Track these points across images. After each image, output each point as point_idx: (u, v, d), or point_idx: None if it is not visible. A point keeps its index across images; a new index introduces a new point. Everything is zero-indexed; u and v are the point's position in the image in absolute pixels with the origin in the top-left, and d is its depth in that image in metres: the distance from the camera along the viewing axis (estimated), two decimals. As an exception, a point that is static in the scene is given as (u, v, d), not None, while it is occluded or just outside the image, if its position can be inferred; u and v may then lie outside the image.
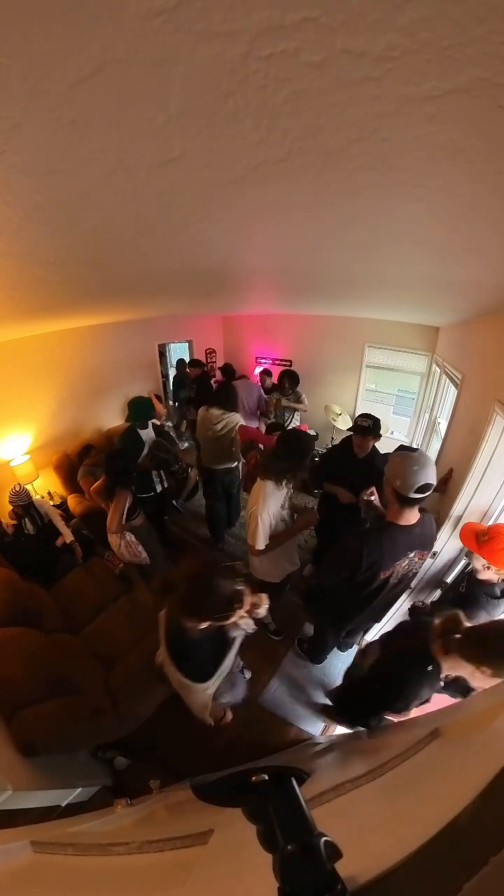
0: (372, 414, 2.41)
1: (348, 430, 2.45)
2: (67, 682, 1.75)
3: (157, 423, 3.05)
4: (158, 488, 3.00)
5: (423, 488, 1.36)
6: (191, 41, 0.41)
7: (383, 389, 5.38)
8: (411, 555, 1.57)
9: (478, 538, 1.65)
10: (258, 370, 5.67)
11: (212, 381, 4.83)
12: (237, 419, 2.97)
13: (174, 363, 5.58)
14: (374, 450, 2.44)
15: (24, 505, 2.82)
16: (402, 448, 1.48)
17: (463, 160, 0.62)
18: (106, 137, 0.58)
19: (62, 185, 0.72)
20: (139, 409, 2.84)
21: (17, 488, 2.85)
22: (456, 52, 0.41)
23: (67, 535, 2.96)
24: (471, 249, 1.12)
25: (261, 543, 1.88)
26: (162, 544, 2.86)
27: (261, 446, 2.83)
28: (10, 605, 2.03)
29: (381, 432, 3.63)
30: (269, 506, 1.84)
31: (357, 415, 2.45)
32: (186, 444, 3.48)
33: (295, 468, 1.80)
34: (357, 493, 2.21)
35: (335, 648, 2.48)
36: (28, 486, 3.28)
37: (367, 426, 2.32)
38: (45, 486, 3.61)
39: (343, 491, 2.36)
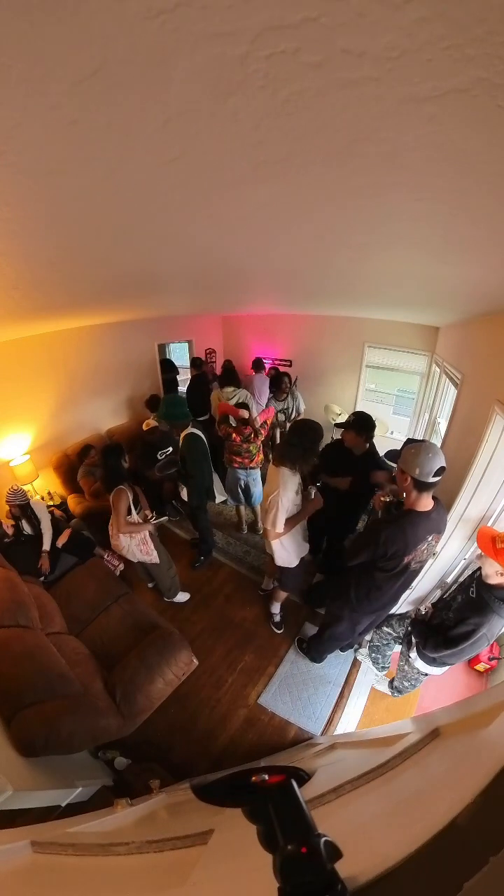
0: (362, 411, 2.50)
1: (336, 424, 2.60)
2: (67, 682, 1.75)
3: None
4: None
5: (440, 471, 1.52)
6: (191, 41, 0.41)
7: (383, 389, 5.39)
8: (429, 538, 1.68)
9: (495, 543, 1.64)
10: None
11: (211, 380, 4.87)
12: (245, 393, 3.63)
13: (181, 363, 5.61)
14: (373, 447, 2.52)
15: (20, 505, 2.80)
16: (410, 441, 1.57)
17: (463, 160, 0.62)
18: (106, 137, 0.58)
19: (62, 185, 0.72)
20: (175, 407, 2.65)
21: (15, 487, 2.85)
22: (456, 52, 0.40)
23: (47, 537, 2.87)
24: (471, 249, 1.12)
25: (281, 527, 2.05)
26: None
27: (232, 421, 3.01)
28: (11, 605, 2.03)
29: (379, 431, 3.77)
30: (288, 491, 2.00)
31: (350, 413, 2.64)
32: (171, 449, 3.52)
33: (307, 453, 1.98)
34: (352, 486, 2.42)
35: (336, 649, 2.48)
36: (28, 486, 3.28)
37: (346, 421, 2.48)
38: (45, 486, 3.61)
39: (340, 480, 2.48)
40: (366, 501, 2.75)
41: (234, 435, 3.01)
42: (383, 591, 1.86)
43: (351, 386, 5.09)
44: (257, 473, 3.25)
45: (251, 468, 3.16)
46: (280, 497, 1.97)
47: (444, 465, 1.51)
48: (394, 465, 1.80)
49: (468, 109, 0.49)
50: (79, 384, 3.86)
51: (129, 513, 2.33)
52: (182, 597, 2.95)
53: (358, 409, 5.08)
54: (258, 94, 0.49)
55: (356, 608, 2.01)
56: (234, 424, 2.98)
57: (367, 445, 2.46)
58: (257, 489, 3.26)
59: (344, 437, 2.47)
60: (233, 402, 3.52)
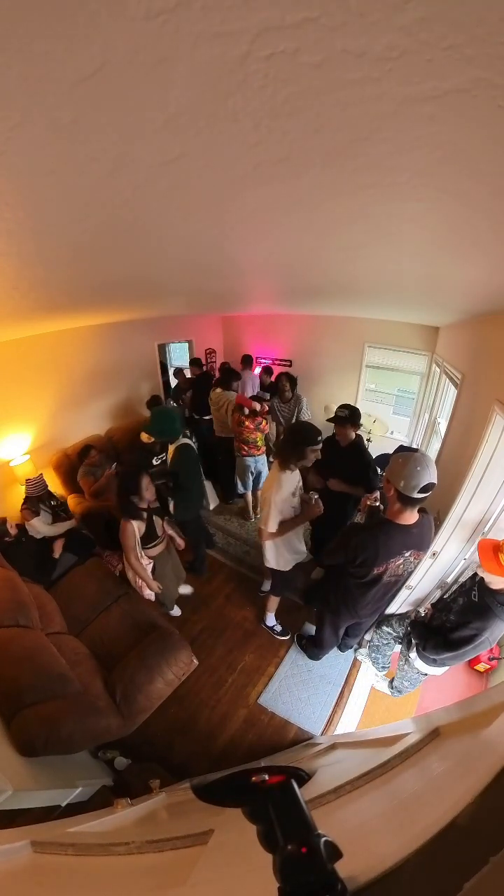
0: (350, 404, 2.60)
1: (328, 420, 2.62)
2: (67, 682, 1.75)
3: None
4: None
5: (426, 488, 1.39)
6: (191, 41, 0.41)
7: (383, 389, 5.38)
8: (407, 554, 1.60)
9: (498, 554, 1.60)
10: (258, 369, 5.69)
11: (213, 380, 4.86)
12: (232, 396, 3.67)
13: (172, 364, 5.61)
14: (359, 438, 2.63)
15: (39, 496, 2.97)
16: (402, 448, 1.51)
17: (463, 160, 0.62)
18: (106, 137, 0.58)
19: (62, 185, 0.72)
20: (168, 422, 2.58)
21: (35, 479, 3.01)
22: (456, 52, 0.40)
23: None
24: (470, 249, 1.12)
25: (272, 526, 2.01)
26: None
27: (246, 410, 3.34)
28: (11, 605, 2.03)
29: (379, 431, 3.84)
30: (282, 490, 1.97)
31: (338, 406, 2.65)
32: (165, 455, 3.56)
33: (298, 453, 1.93)
34: (343, 479, 2.48)
35: (335, 648, 2.48)
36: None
37: (344, 416, 2.51)
38: (45, 486, 3.61)
39: (315, 477, 2.59)
40: (356, 499, 2.80)
41: (245, 422, 3.32)
42: (356, 599, 1.83)
43: (351, 386, 5.08)
44: (264, 459, 3.64)
45: (258, 456, 3.55)
46: (273, 495, 1.95)
47: (433, 481, 1.39)
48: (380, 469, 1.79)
49: (468, 109, 0.49)
50: (79, 384, 3.86)
51: (147, 543, 2.20)
52: (175, 611, 2.86)
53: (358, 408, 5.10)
54: (258, 95, 0.49)
55: (335, 611, 2.01)
56: (246, 414, 3.32)
57: (353, 436, 2.57)
58: (266, 472, 3.64)
59: (344, 431, 2.56)
60: (220, 403, 3.76)
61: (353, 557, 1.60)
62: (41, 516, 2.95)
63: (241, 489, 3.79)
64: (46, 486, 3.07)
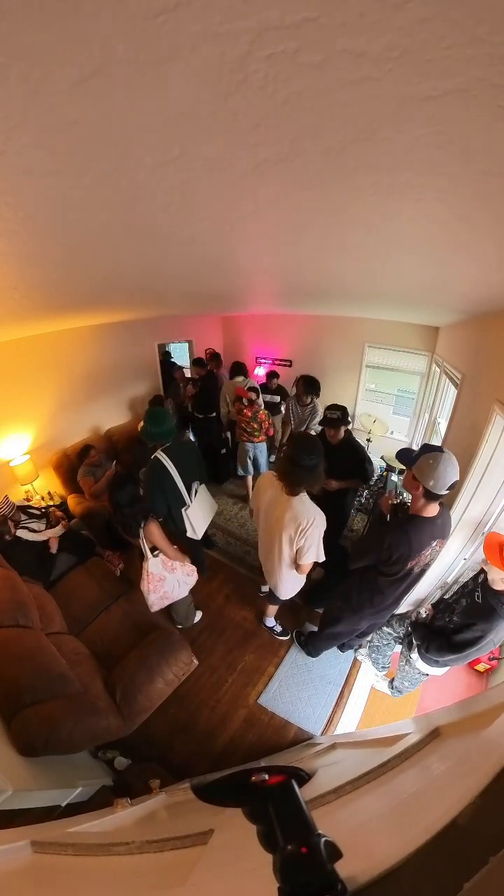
0: (339, 404, 2.63)
1: (318, 423, 2.71)
2: (67, 682, 1.75)
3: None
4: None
5: (453, 485, 1.51)
6: (191, 41, 0.41)
7: (383, 389, 5.38)
8: (434, 544, 1.67)
9: (503, 551, 1.60)
10: (260, 370, 5.68)
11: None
12: (253, 381, 4.17)
13: (175, 361, 5.64)
14: (349, 434, 2.67)
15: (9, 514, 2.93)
16: (427, 448, 1.58)
17: (463, 160, 0.62)
18: (106, 137, 0.58)
19: (62, 185, 0.72)
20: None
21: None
22: (456, 52, 0.40)
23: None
24: (470, 249, 1.12)
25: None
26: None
27: (244, 400, 3.72)
28: (11, 605, 2.03)
29: (379, 431, 3.87)
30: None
31: (326, 406, 2.68)
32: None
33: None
34: (338, 477, 2.52)
35: (335, 648, 2.48)
36: (28, 486, 3.31)
37: (336, 417, 2.55)
38: (45, 486, 3.61)
39: (351, 482, 2.63)
40: (353, 493, 2.80)
41: (245, 410, 3.69)
42: (385, 595, 1.85)
43: (351, 386, 5.08)
44: (263, 447, 3.99)
45: (257, 443, 3.89)
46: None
47: (458, 478, 1.50)
48: (400, 465, 1.77)
49: (468, 109, 0.49)
50: (79, 384, 3.86)
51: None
52: (196, 616, 2.80)
53: (358, 408, 5.09)
54: (258, 95, 0.49)
55: (357, 611, 2.01)
56: (246, 403, 3.70)
57: (343, 434, 2.59)
58: (262, 459, 4.05)
59: (335, 432, 2.60)
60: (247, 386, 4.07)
61: (388, 557, 1.66)
62: (26, 527, 2.95)
63: (240, 472, 4.17)
64: (14, 505, 3.06)
